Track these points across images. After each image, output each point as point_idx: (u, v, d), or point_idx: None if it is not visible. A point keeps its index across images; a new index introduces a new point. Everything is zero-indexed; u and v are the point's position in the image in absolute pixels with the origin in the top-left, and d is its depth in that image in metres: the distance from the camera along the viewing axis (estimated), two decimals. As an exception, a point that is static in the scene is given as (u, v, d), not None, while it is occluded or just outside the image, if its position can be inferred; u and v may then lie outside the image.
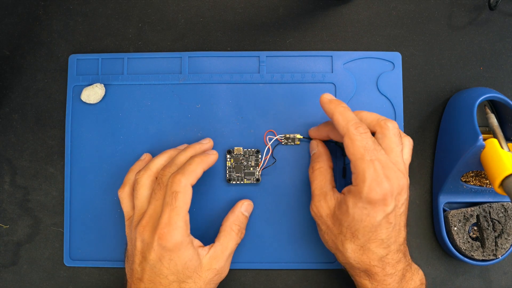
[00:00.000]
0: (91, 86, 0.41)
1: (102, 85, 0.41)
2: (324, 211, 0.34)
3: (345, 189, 0.33)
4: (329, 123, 0.38)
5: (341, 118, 0.33)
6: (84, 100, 0.41)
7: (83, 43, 0.43)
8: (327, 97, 0.35)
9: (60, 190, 0.42)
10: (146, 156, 0.40)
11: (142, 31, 0.43)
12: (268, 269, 0.41)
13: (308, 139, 0.40)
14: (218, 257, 0.35)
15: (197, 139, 0.41)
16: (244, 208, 0.39)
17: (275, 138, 0.41)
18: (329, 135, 0.38)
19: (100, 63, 0.42)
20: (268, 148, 0.41)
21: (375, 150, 0.32)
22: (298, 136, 0.40)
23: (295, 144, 0.41)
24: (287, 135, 0.41)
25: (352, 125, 0.32)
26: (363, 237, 0.32)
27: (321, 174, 0.36)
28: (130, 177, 0.38)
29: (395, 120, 0.41)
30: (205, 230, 0.41)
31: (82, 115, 0.42)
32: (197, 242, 0.35)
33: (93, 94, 0.41)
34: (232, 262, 0.40)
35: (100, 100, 0.41)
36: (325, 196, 0.35)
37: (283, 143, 0.41)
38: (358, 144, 0.32)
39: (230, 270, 0.41)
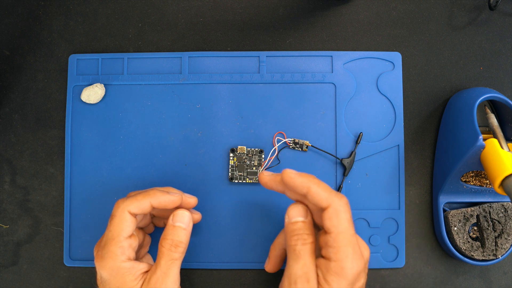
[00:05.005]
0: (91, 86, 0.41)
1: (102, 85, 0.41)
2: None
3: (321, 265, 0.31)
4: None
5: (322, 189, 0.31)
6: (84, 100, 0.41)
7: (83, 43, 0.43)
8: (293, 172, 0.32)
9: (60, 190, 0.42)
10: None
11: (142, 31, 0.43)
12: (268, 269, 0.41)
13: (318, 149, 0.40)
14: (159, 283, 0.33)
15: (197, 139, 0.41)
16: (175, 219, 0.35)
17: (284, 140, 0.41)
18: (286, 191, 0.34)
19: (100, 63, 0.42)
20: (274, 149, 0.41)
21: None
22: (307, 143, 0.40)
23: (302, 151, 0.41)
24: (296, 140, 0.41)
25: (336, 195, 0.31)
26: None
27: (312, 252, 0.31)
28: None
29: (395, 120, 0.41)
30: (205, 229, 0.41)
31: (82, 115, 0.42)
32: (142, 268, 0.34)
33: (93, 94, 0.41)
34: (232, 262, 0.40)
35: (100, 100, 0.41)
36: (308, 281, 0.30)
37: (290, 147, 0.41)
38: (343, 217, 0.30)
39: (230, 270, 0.41)
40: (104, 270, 0.33)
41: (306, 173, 0.33)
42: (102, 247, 0.33)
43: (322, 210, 0.32)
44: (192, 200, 0.37)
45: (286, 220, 0.33)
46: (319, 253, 0.32)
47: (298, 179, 0.32)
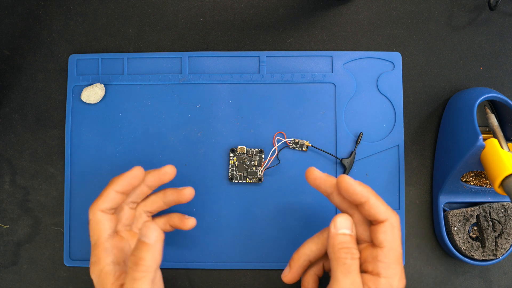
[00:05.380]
0: (91, 86, 0.41)
1: (102, 85, 0.41)
2: None
3: (368, 281, 0.31)
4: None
5: (381, 202, 0.32)
6: (84, 100, 0.41)
7: (83, 43, 0.43)
8: (351, 180, 0.32)
9: (60, 190, 0.42)
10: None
11: (142, 31, 0.43)
12: (268, 269, 0.41)
13: (318, 149, 0.40)
14: None
15: (197, 139, 0.41)
16: (141, 232, 0.30)
17: (284, 140, 0.41)
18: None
19: (100, 63, 0.42)
20: (274, 149, 0.41)
21: None
22: (307, 143, 0.40)
23: (302, 151, 0.41)
24: (296, 140, 0.41)
25: (392, 211, 0.32)
26: None
27: (358, 267, 0.31)
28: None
29: (395, 120, 0.41)
30: (205, 229, 0.41)
31: (82, 115, 0.42)
32: (124, 270, 0.33)
33: (93, 94, 0.41)
34: (232, 262, 0.40)
35: (100, 100, 0.41)
36: None
37: (290, 147, 0.41)
38: (397, 233, 0.31)
39: (230, 270, 0.41)
40: (93, 276, 0.33)
41: (363, 183, 0.32)
42: (91, 255, 0.33)
43: (374, 223, 0.32)
44: (186, 191, 0.36)
45: (333, 230, 0.32)
46: (360, 267, 0.32)
47: (358, 187, 0.32)
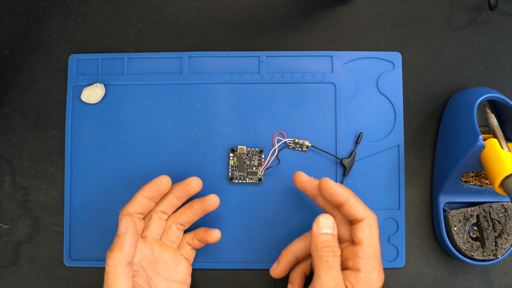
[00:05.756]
0: (91, 86, 0.41)
1: (102, 85, 0.41)
2: None
3: (349, 276, 0.32)
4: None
5: (359, 202, 0.34)
6: (84, 100, 0.41)
7: (83, 43, 0.43)
8: (332, 182, 0.34)
9: (60, 190, 0.42)
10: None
11: (142, 31, 0.43)
12: (268, 269, 0.41)
13: (318, 149, 0.40)
14: None
15: (197, 139, 0.41)
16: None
17: (284, 140, 0.41)
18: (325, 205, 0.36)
19: (100, 63, 0.42)
20: (274, 149, 0.41)
21: None
22: (307, 143, 0.40)
23: (302, 151, 0.41)
24: (296, 140, 0.41)
25: (370, 210, 0.34)
26: None
27: (340, 265, 0.32)
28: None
29: (395, 120, 0.41)
30: (205, 230, 0.41)
31: (82, 115, 0.42)
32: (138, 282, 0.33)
33: (93, 94, 0.41)
34: (232, 262, 0.40)
35: (100, 100, 0.41)
36: None
37: (290, 147, 0.41)
38: (375, 231, 0.33)
39: (230, 270, 0.41)
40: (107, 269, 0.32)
41: (343, 185, 0.35)
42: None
43: (353, 222, 0.34)
44: (210, 198, 0.37)
45: (315, 230, 0.34)
46: (342, 265, 0.34)
47: (338, 188, 0.34)
